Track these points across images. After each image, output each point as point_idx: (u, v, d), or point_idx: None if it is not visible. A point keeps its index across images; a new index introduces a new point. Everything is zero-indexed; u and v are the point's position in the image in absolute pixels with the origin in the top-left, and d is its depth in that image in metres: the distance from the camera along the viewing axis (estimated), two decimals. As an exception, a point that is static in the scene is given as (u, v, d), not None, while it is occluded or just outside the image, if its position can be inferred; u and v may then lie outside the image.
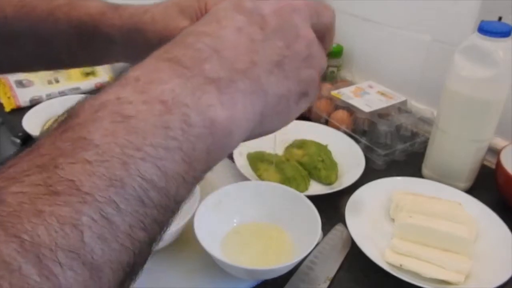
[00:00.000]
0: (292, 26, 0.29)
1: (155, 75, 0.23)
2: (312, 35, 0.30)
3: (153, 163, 0.21)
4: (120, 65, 0.51)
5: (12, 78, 0.98)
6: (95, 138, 0.20)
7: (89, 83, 1.01)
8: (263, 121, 0.28)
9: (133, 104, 0.22)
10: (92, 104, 0.22)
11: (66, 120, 0.22)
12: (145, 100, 0.22)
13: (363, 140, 0.81)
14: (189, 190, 0.23)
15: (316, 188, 0.74)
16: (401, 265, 0.57)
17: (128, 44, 0.44)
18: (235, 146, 0.26)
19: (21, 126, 0.80)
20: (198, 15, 0.43)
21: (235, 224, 0.62)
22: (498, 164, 0.69)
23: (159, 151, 0.21)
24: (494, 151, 0.77)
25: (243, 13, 0.28)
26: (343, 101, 0.88)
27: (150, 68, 0.24)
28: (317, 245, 0.58)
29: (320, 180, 0.75)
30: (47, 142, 0.21)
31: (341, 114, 0.87)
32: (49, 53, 0.48)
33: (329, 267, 0.59)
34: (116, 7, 0.45)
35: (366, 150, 0.79)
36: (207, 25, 0.27)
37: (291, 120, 0.31)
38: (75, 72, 1.03)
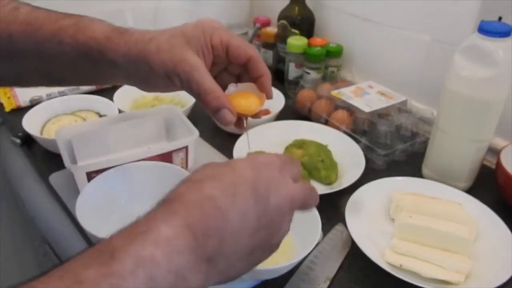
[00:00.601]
0: (280, 223, 0.37)
1: (175, 243, 0.30)
2: (288, 230, 0.39)
3: None
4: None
5: (12, 78, 0.98)
6: None
7: (89, 83, 1.01)
8: (220, 284, 0.35)
9: (160, 270, 0.29)
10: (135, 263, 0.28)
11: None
12: (168, 270, 0.29)
13: (363, 140, 0.81)
14: None
15: (316, 188, 0.74)
16: (401, 265, 0.57)
17: (132, 70, 0.45)
18: None
19: (21, 126, 0.80)
20: (203, 47, 0.44)
21: (235, 224, 0.62)
22: (498, 164, 0.69)
23: None
24: (494, 151, 0.77)
25: (255, 198, 0.34)
26: (343, 101, 0.88)
27: (172, 235, 0.30)
28: (317, 245, 0.59)
29: (320, 180, 0.75)
30: None
31: (341, 114, 0.87)
32: (51, 71, 0.48)
33: (329, 267, 0.59)
34: (122, 31, 0.45)
35: (366, 150, 0.79)
36: (224, 197, 0.34)
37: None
38: (75, 72, 1.03)
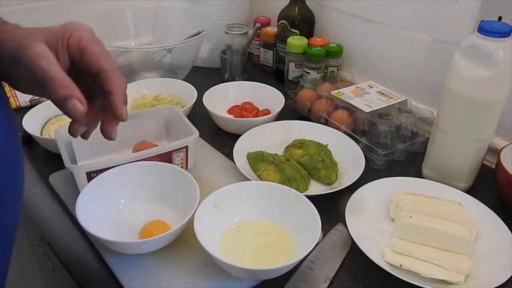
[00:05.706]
0: None
1: None
2: None
3: None
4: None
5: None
6: None
7: (89, 83, 1.00)
8: None
9: None
10: None
11: None
12: None
13: (363, 140, 0.81)
14: None
15: (316, 188, 0.74)
16: (401, 265, 0.57)
17: None
18: None
19: (21, 126, 0.80)
20: (59, 42, 0.42)
21: (235, 224, 0.62)
22: (498, 164, 0.69)
23: None
24: (494, 151, 0.77)
25: None
26: (343, 101, 0.88)
27: None
28: (317, 245, 0.59)
29: (320, 180, 0.75)
30: None
31: (341, 114, 0.87)
32: None
33: (329, 267, 0.59)
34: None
35: (366, 150, 0.79)
36: None
37: None
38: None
